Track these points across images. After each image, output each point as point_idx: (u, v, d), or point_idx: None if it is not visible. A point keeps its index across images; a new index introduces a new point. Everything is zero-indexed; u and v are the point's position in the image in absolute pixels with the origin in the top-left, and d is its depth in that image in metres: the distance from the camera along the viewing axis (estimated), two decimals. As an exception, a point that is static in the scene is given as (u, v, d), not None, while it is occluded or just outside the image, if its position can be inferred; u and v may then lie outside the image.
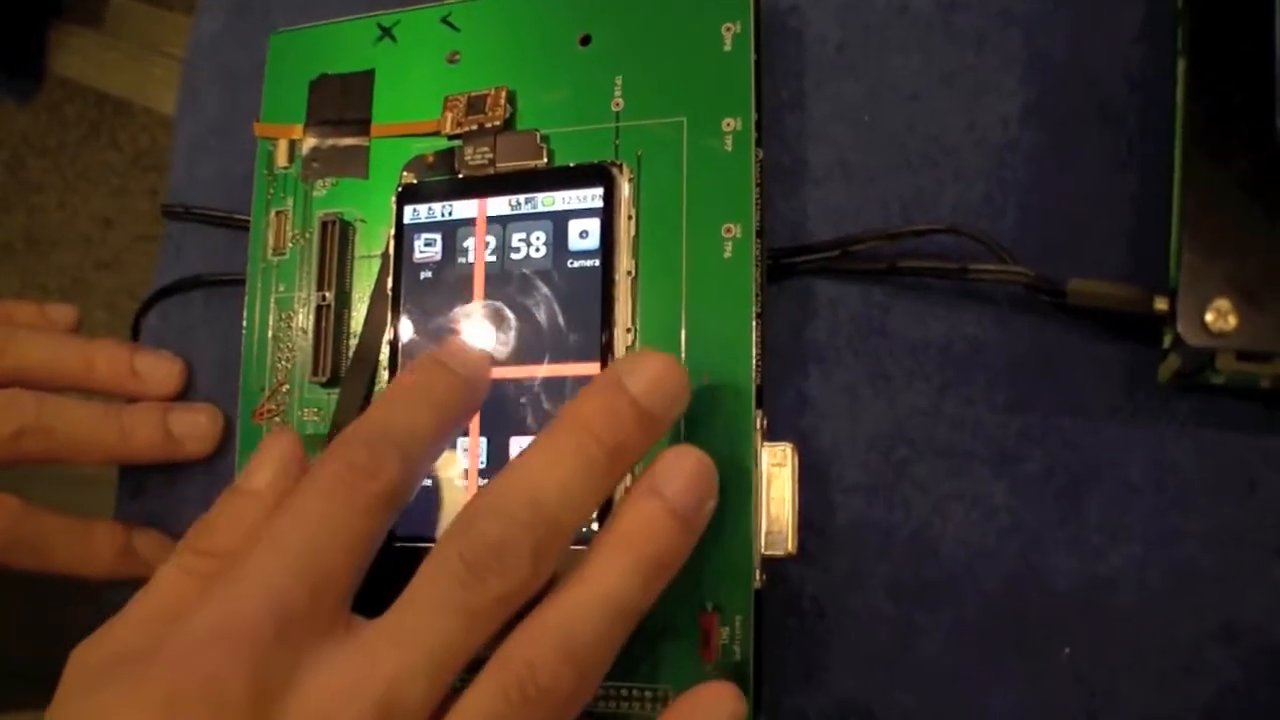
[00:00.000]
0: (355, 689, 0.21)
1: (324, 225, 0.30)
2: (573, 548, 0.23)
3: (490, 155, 0.29)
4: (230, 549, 0.23)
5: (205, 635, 0.21)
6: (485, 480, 0.27)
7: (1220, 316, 0.23)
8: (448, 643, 0.21)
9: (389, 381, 0.28)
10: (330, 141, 0.31)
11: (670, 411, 0.24)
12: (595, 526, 0.25)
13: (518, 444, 0.27)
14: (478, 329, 0.28)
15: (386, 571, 0.23)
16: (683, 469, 0.23)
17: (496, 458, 0.27)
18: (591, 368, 0.26)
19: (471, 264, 0.28)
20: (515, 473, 0.23)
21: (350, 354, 0.30)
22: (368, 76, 0.31)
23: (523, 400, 0.27)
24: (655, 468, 0.23)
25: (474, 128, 0.29)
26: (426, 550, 0.22)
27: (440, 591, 0.21)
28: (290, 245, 0.31)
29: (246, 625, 0.21)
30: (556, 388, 0.27)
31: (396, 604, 0.22)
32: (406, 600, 0.22)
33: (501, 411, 0.27)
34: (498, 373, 0.27)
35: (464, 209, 0.28)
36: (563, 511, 0.22)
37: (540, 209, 0.28)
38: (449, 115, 0.29)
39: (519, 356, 0.27)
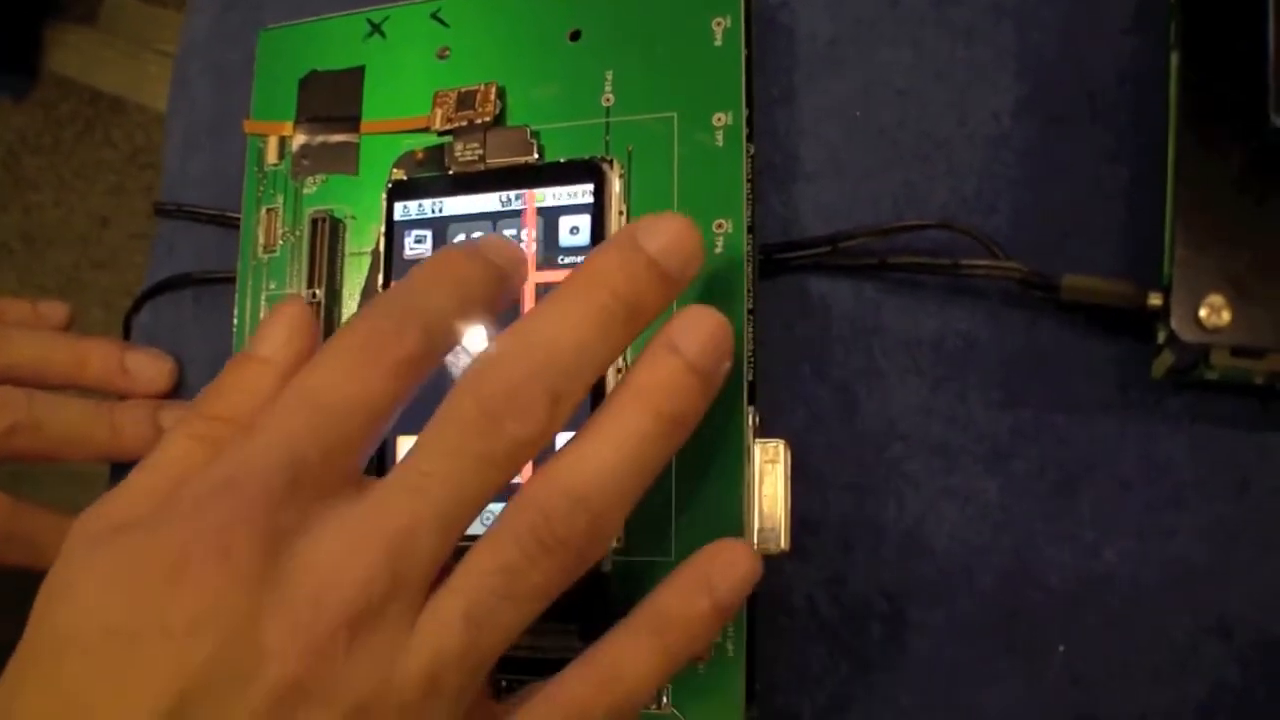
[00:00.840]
0: (365, 538, 0.20)
1: (314, 222, 0.30)
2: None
3: (480, 151, 0.29)
4: (240, 415, 0.23)
5: (217, 486, 0.20)
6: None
7: (1214, 312, 0.23)
8: (461, 491, 0.21)
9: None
10: (320, 138, 0.31)
11: (686, 271, 0.23)
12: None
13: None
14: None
15: None
16: (701, 327, 0.23)
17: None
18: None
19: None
20: (531, 323, 0.22)
21: (341, 352, 0.30)
22: (357, 73, 0.31)
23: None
24: (673, 325, 0.23)
25: (464, 124, 0.29)
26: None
27: (454, 438, 0.21)
28: (281, 242, 0.31)
29: (258, 477, 0.20)
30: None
31: (409, 452, 0.21)
32: (419, 447, 0.21)
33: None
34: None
35: (454, 205, 0.28)
36: (579, 362, 0.22)
37: (530, 205, 0.28)
38: (439, 111, 0.29)
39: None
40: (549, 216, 0.27)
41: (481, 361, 0.22)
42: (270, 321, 0.24)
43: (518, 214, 0.28)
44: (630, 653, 0.22)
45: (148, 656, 0.19)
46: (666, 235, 0.23)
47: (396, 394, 0.22)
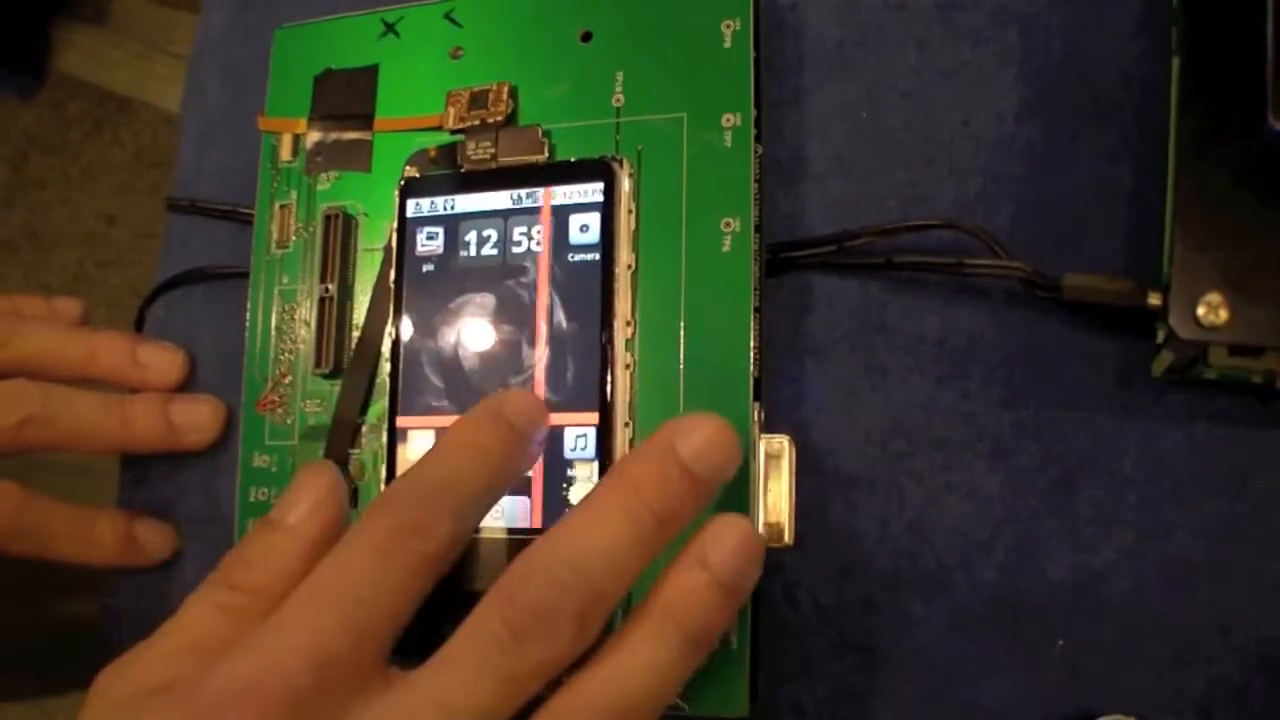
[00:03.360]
0: None
1: (327, 218, 0.31)
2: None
3: (492, 150, 0.29)
4: (263, 586, 0.23)
5: (243, 685, 0.20)
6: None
7: (1212, 311, 0.23)
8: (485, 707, 0.21)
9: (390, 374, 0.29)
10: (334, 136, 0.31)
11: (721, 476, 0.23)
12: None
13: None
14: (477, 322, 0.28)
15: None
16: (730, 540, 0.23)
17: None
18: (591, 355, 0.27)
19: (474, 257, 0.28)
20: (561, 536, 0.22)
21: (352, 346, 0.30)
22: (372, 71, 0.31)
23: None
24: (702, 537, 0.23)
25: (476, 122, 0.29)
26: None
27: (480, 654, 0.21)
28: (294, 238, 0.31)
29: (286, 679, 0.20)
30: (559, 380, 0.27)
31: (435, 661, 0.22)
32: (445, 659, 0.21)
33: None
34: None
35: (466, 203, 0.29)
36: (608, 578, 0.22)
37: (541, 203, 0.28)
38: (451, 110, 0.30)
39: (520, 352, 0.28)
40: (559, 214, 0.28)
41: (511, 575, 0.22)
42: (296, 489, 0.24)
43: (529, 211, 0.28)
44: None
45: None
46: (701, 440, 0.23)
47: (420, 588, 0.22)
